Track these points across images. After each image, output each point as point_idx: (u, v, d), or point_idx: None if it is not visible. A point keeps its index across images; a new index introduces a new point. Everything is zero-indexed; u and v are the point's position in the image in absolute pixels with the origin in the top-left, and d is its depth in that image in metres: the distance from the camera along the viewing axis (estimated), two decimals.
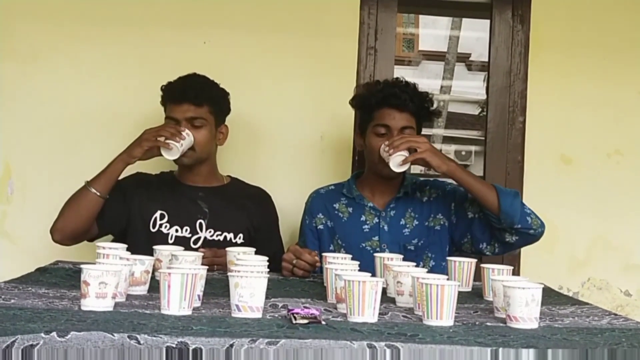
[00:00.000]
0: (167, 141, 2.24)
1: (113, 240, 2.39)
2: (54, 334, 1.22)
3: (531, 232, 2.19)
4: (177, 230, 2.34)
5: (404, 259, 1.95)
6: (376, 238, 2.31)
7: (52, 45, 2.75)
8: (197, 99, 2.35)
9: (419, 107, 2.32)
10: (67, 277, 1.87)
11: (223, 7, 2.79)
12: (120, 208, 2.34)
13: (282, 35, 2.79)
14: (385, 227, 2.32)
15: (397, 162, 2.18)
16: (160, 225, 2.34)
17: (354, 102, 2.45)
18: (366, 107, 2.35)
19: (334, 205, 2.38)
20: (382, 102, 2.30)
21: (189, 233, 2.35)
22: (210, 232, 2.36)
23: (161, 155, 2.27)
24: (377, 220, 2.33)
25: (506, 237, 2.21)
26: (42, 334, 1.22)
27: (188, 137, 2.30)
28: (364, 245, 2.31)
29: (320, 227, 2.37)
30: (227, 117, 2.50)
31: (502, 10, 2.87)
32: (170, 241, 2.31)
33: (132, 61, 2.75)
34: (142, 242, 2.26)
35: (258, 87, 2.77)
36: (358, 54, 2.81)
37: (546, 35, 2.87)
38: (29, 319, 1.35)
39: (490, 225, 2.22)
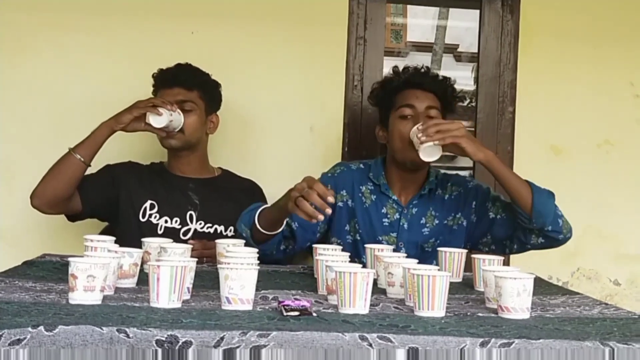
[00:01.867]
0: (157, 107, 2.23)
1: (102, 232, 2.38)
2: (41, 328, 1.20)
3: (560, 238, 2.09)
4: (166, 221, 2.33)
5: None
6: (394, 234, 2.22)
7: (40, 36, 2.71)
8: (187, 82, 2.36)
9: (442, 89, 2.24)
10: (55, 270, 1.85)
11: None
12: (108, 189, 2.33)
13: (270, 26, 2.77)
14: (405, 225, 2.22)
15: (427, 152, 2.04)
16: (150, 215, 2.33)
17: (373, 94, 2.34)
18: (388, 92, 2.25)
19: (361, 187, 2.25)
20: (404, 84, 2.23)
21: (179, 224, 2.33)
22: (200, 224, 2.34)
23: (148, 129, 2.25)
24: (398, 217, 2.22)
25: (532, 238, 2.10)
26: (29, 328, 1.20)
27: (179, 115, 2.29)
28: (380, 238, 2.21)
29: (340, 204, 2.22)
30: None
31: None
32: (159, 232, 2.30)
33: (119, 51, 2.73)
34: (131, 231, 2.25)
35: (247, 77, 2.75)
36: (347, 44, 2.79)
37: (536, 24, 2.86)
38: (16, 313, 1.33)
39: (511, 225, 2.12)
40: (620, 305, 2.50)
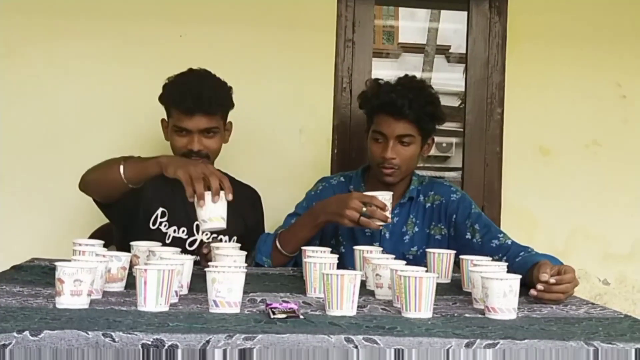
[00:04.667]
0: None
1: (92, 235, 2.36)
2: (26, 333, 1.20)
3: None
4: (174, 231, 2.29)
5: None
6: (376, 244, 2.21)
7: (27, 41, 2.71)
8: (210, 108, 2.21)
9: (418, 113, 2.17)
10: (43, 274, 1.85)
11: (199, 1, 2.77)
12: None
13: (258, 29, 2.77)
14: (387, 235, 2.24)
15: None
16: (160, 223, 2.28)
17: (359, 101, 2.33)
18: (366, 109, 2.27)
19: None
20: (378, 107, 2.20)
21: (186, 234, 2.30)
22: (206, 234, 2.31)
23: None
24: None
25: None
26: (15, 333, 1.20)
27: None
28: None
29: None
30: None
31: (479, 1, 2.88)
32: (167, 241, 2.26)
33: (107, 55, 2.73)
34: (142, 238, 2.17)
35: (235, 80, 2.73)
36: (336, 47, 2.80)
37: (523, 26, 2.87)
38: (2, 318, 1.32)
39: (486, 252, 2.02)
40: (610, 305, 2.52)
